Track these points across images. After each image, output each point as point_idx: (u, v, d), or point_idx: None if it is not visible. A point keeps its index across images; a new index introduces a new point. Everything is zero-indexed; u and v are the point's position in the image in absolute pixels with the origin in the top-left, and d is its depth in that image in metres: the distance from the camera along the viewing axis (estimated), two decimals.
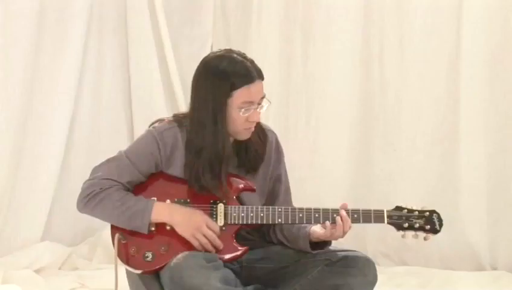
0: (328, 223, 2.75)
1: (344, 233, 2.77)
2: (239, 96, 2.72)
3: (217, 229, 2.78)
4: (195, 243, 2.76)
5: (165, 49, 4.97)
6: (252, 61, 2.78)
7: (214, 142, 2.76)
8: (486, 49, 4.60)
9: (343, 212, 2.75)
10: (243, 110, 2.74)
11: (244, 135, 2.84)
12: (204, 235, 2.77)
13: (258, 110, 2.79)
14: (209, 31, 5.17)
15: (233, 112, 2.75)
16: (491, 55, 4.59)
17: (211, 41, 5.17)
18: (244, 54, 2.83)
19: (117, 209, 2.77)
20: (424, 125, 4.76)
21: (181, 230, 2.77)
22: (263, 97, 2.80)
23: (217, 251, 2.79)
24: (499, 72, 4.58)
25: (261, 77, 2.78)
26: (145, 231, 2.77)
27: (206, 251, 2.78)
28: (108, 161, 2.87)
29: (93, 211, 2.81)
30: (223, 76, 2.73)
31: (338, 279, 2.77)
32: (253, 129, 2.84)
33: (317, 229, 2.82)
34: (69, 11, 4.59)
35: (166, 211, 2.80)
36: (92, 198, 2.78)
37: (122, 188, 2.81)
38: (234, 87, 2.72)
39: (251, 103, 2.74)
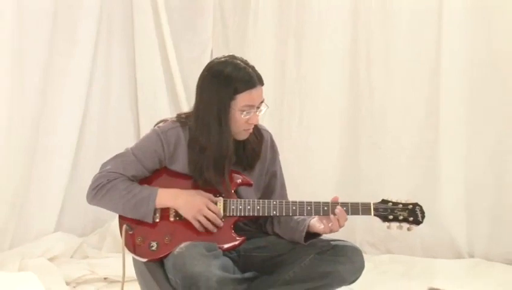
0: (331, 216, 2.77)
1: (340, 227, 2.79)
2: (241, 100, 2.75)
3: (217, 209, 2.81)
4: (196, 224, 2.79)
5: (168, 53, 4.98)
6: (253, 68, 2.80)
7: (218, 141, 2.78)
8: (465, 52, 4.58)
9: (341, 209, 2.77)
10: (244, 112, 2.77)
11: (243, 136, 2.86)
12: (205, 216, 2.79)
13: (257, 113, 2.82)
14: (209, 36, 5.19)
15: (236, 114, 2.77)
16: (471, 59, 4.57)
17: (211, 46, 5.19)
18: (246, 60, 2.84)
19: (123, 198, 2.79)
20: (408, 126, 4.75)
21: (184, 212, 2.80)
22: (262, 101, 2.82)
23: (217, 241, 2.80)
24: (478, 75, 4.55)
25: (261, 82, 2.80)
26: (150, 219, 2.79)
27: (207, 230, 2.80)
28: (115, 156, 2.89)
29: (101, 201, 2.84)
30: (228, 81, 2.75)
31: (328, 266, 2.78)
32: (251, 130, 2.86)
33: (316, 224, 2.85)
34: (80, 13, 4.60)
35: (169, 196, 2.82)
36: (99, 189, 2.81)
37: (128, 180, 2.83)
38: (237, 91, 2.74)
39: (252, 106, 2.77)
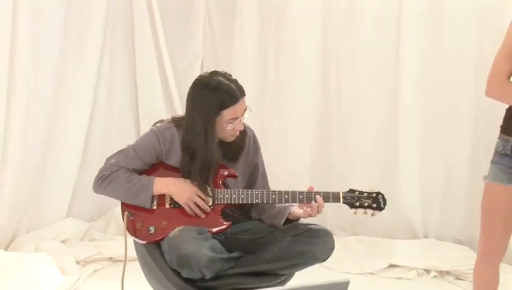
0: (313, 203, 2.80)
1: (318, 213, 2.82)
2: (227, 114, 2.75)
3: (206, 198, 2.82)
4: (187, 209, 2.81)
5: (164, 62, 4.97)
6: (235, 81, 2.79)
7: (204, 149, 2.78)
8: (421, 53, 4.58)
9: (320, 198, 2.81)
10: (230, 124, 2.78)
11: (231, 139, 2.88)
12: (195, 202, 2.81)
13: (242, 120, 2.83)
14: (200, 48, 5.17)
15: (223, 125, 2.78)
16: (426, 60, 4.57)
17: (202, 56, 5.18)
18: (229, 75, 2.81)
19: (125, 187, 2.79)
20: (372, 125, 4.76)
21: (177, 198, 2.82)
22: (245, 109, 2.82)
23: (206, 225, 2.82)
24: (432, 75, 4.57)
25: (243, 94, 2.79)
26: (148, 205, 2.80)
27: (197, 215, 2.82)
28: (118, 152, 2.89)
29: (105, 190, 2.84)
30: (213, 99, 2.74)
31: (303, 247, 2.80)
32: (238, 134, 2.87)
33: (296, 210, 2.87)
34: (88, 31, 4.58)
35: (165, 184, 2.82)
36: (104, 180, 2.82)
37: (128, 171, 2.84)
38: (222, 108, 2.74)
39: (236, 118, 2.78)
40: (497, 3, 4.32)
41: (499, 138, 2.90)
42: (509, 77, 2.90)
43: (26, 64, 4.07)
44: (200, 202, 2.82)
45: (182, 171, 2.86)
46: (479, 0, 4.40)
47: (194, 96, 2.82)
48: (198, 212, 2.83)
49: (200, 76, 2.87)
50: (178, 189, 2.83)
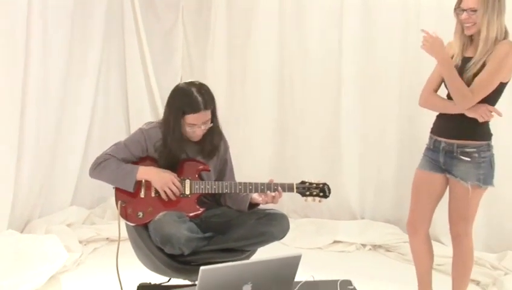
0: (268, 193, 2.80)
1: (277, 201, 2.84)
2: (188, 119, 2.75)
3: (179, 185, 2.81)
4: (163, 194, 2.80)
5: (150, 79, 4.95)
6: (204, 95, 2.76)
7: (172, 141, 2.80)
8: (358, 75, 4.56)
9: (280, 189, 2.81)
10: (189, 128, 2.78)
11: (194, 139, 2.86)
12: (170, 189, 2.79)
13: (201, 127, 2.80)
14: (179, 67, 5.16)
15: (185, 127, 2.78)
16: (363, 79, 4.56)
17: (180, 74, 5.16)
18: (202, 88, 2.78)
19: (114, 172, 2.79)
20: (319, 125, 4.74)
21: (155, 184, 2.80)
22: (207, 121, 2.80)
23: (185, 211, 2.81)
24: (368, 87, 4.57)
25: (207, 107, 2.76)
26: (132, 188, 2.79)
27: (170, 200, 2.81)
28: (112, 145, 2.89)
29: (99, 174, 2.83)
30: (180, 103, 2.75)
31: (264, 228, 2.81)
32: (199, 136, 2.84)
33: (257, 197, 2.87)
34: (88, 51, 4.56)
35: (146, 171, 2.80)
36: (98, 165, 2.81)
37: (118, 160, 2.82)
38: (185, 113, 2.74)
39: (195, 125, 2.77)
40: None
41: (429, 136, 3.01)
42: (436, 91, 2.98)
43: (37, 79, 4.05)
44: (174, 189, 2.80)
45: (159, 157, 2.85)
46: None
47: (170, 98, 2.83)
48: (173, 197, 2.81)
49: (180, 83, 2.87)
50: (157, 176, 2.80)
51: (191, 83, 2.82)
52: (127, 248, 2.91)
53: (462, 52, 2.84)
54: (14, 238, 3.76)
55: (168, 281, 2.96)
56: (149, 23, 4.94)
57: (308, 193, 2.86)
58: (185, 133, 2.82)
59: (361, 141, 4.66)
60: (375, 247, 4.31)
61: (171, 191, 2.80)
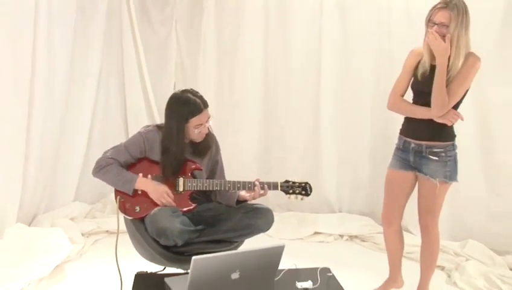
0: (256, 189, 2.81)
1: (261, 196, 2.85)
2: (193, 122, 2.75)
3: (172, 196, 2.81)
4: (160, 204, 2.79)
5: (146, 85, 4.88)
6: (200, 97, 2.78)
7: (176, 148, 2.78)
8: (336, 78, 4.54)
9: (266, 187, 2.82)
10: (196, 130, 2.77)
11: (199, 139, 2.86)
12: (165, 199, 2.79)
13: (206, 126, 2.81)
14: (172, 75, 5.10)
15: (190, 130, 2.78)
16: (340, 85, 4.55)
17: (174, 81, 5.11)
18: (196, 92, 2.80)
19: (115, 178, 2.77)
20: (301, 130, 4.73)
21: (151, 195, 2.80)
22: (209, 117, 2.81)
23: (178, 206, 2.81)
24: (346, 91, 4.54)
25: (206, 106, 2.78)
26: (130, 193, 2.78)
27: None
28: (112, 147, 2.87)
29: (102, 177, 2.81)
30: (183, 111, 2.74)
31: (251, 221, 2.80)
32: (204, 136, 2.85)
33: (245, 194, 2.89)
34: (88, 61, 4.52)
35: (143, 183, 2.80)
36: (100, 169, 2.79)
37: (119, 164, 2.80)
38: (189, 117, 2.74)
39: (201, 124, 2.77)
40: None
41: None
42: (403, 96, 2.98)
43: (43, 84, 4.02)
44: (168, 200, 2.80)
45: (161, 164, 2.83)
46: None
47: (169, 108, 2.80)
48: (168, 205, 2.80)
49: (174, 93, 2.86)
50: (153, 189, 2.80)
51: (185, 91, 2.82)
52: (126, 239, 2.90)
53: (430, 60, 2.84)
54: (22, 231, 3.74)
55: (163, 269, 2.95)
56: (145, 36, 4.91)
57: (291, 191, 2.87)
58: (189, 137, 2.82)
59: (339, 143, 4.65)
60: (352, 237, 4.31)
61: (166, 201, 2.81)
